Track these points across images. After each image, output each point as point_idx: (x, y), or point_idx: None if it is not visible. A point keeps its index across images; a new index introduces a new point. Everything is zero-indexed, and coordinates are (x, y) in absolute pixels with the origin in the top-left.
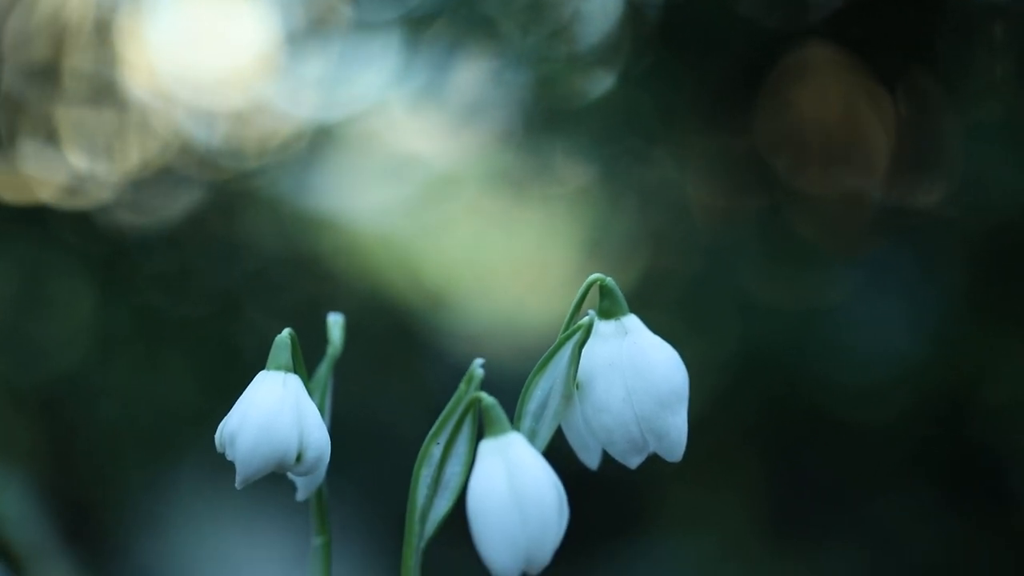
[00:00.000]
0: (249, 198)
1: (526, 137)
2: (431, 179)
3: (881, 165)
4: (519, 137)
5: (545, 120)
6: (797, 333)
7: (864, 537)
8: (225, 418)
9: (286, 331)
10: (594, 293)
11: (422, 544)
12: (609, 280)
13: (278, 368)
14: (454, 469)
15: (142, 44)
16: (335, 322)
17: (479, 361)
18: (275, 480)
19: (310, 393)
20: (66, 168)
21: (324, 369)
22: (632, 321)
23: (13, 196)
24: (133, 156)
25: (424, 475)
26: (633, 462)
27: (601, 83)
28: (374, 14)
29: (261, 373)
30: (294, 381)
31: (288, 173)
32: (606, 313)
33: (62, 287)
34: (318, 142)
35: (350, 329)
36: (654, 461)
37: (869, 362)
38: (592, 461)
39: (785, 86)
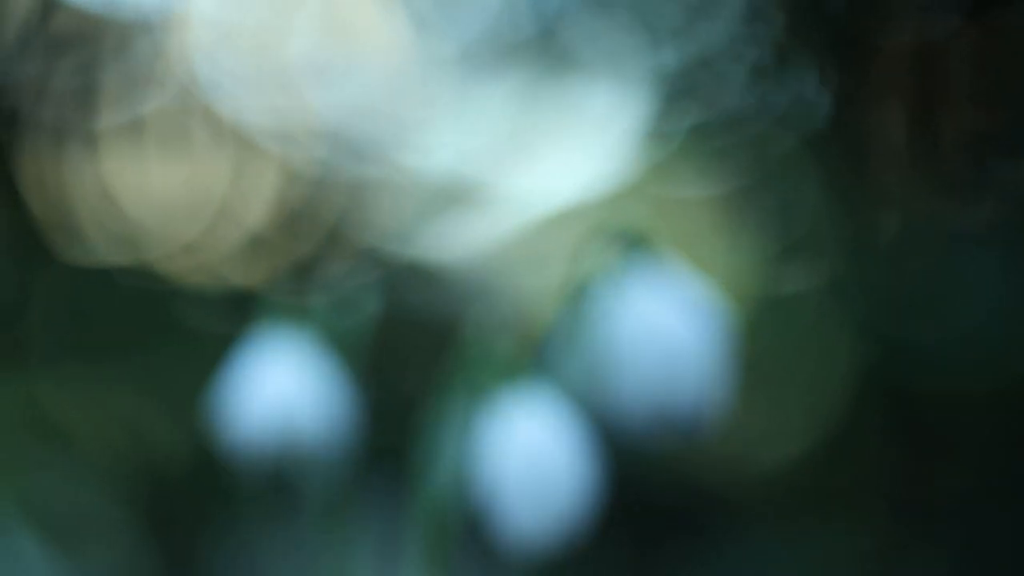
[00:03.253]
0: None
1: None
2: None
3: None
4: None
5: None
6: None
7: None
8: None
9: (283, 316)
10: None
11: (430, 503)
12: (626, 229)
13: (278, 355)
14: (458, 427)
15: None
16: (350, 312)
17: (476, 321)
18: None
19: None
20: None
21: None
22: (646, 270)
23: None
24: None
25: (429, 434)
26: (651, 423)
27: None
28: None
29: (254, 363)
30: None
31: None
32: (620, 262)
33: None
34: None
35: None
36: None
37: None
38: (610, 419)
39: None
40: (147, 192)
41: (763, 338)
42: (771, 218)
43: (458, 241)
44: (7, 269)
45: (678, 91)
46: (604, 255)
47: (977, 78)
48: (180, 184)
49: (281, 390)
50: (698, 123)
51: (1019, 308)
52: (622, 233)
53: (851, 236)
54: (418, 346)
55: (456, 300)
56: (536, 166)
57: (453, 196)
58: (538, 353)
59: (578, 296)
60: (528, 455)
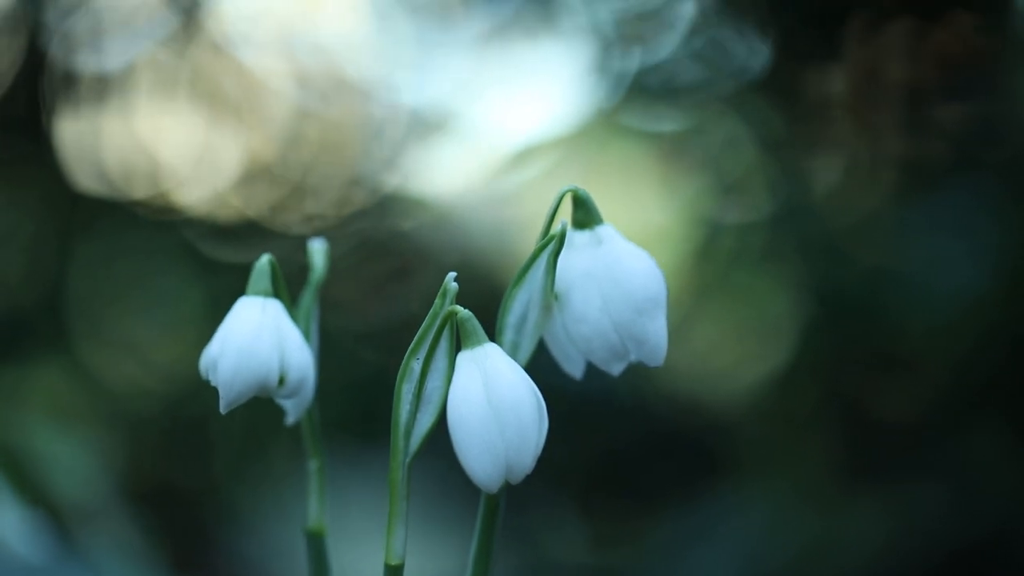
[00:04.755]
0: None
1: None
2: (517, 149)
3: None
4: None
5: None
6: (869, 276)
7: (939, 476)
8: (207, 345)
9: (265, 257)
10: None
11: (408, 459)
12: (582, 190)
13: (257, 293)
14: (435, 383)
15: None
16: (317, 249)
17: (452, 275)
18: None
19: (295, 320)
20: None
21: (308, 295)
22: (606, 230)
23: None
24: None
25: (405, 391)
26: (615, 369)
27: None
28: None
29: (241, 299)
30: (274, 305)
31: (382, 155)
32: (580, 223)
33: (172, 284)
34: (412, 124)
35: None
36: (729, 410)
37: (936, 300)
38: (576, 371)
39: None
40: (166, 130)
41: (710, 274)
42: (713, 159)
43: (433, 174)
44: (37, 205)
45: (624, 38)
46: (558, 218)
47: (913, 30)
48: (193, 121)
49: (263, 326)
50: (643, 68)
51: (947, 246)
52: (576, 195)
53: (790, 178)
54: (394, 273)
55: (431, 230)
56: (498, 108)
57: (428, 131)
58: (503, 307)
59: (536, 259)
60: (493, 397)
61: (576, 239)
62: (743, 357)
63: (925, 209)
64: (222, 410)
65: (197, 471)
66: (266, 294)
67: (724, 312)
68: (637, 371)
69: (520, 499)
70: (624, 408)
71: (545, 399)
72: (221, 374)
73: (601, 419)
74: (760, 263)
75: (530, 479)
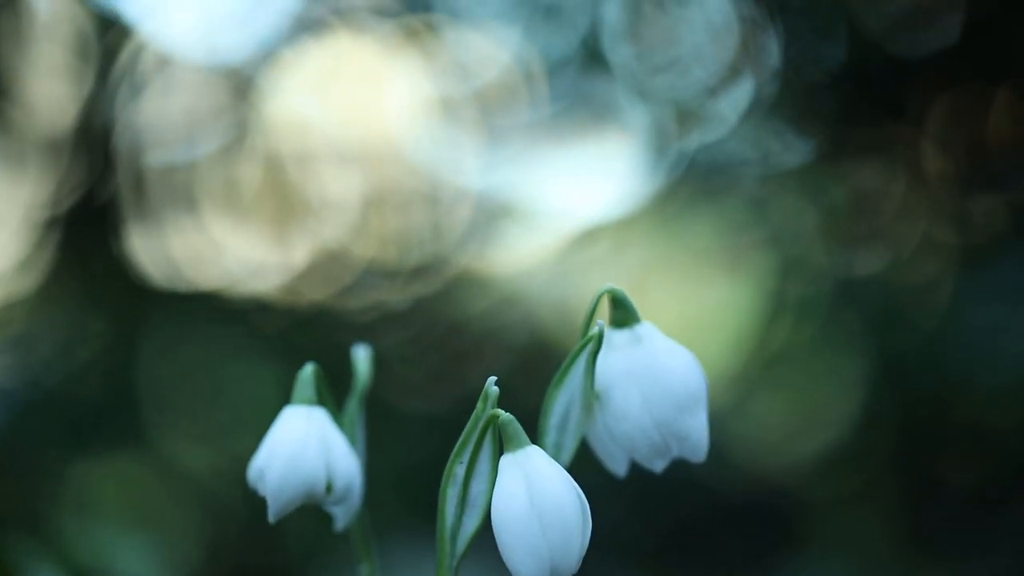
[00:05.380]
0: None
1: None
2: (582, 230)
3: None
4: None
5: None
6: (931, 342)
7: (1005, 544)
8: (255, 455)
9: (309, 366)
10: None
11: (454, 563)
12: (619, 290)
13: (302, 402)
14: (479, 487)
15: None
16: (361, 357)
17: (493, 379)
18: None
19: (341, 427)
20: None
21: (353, 401)
22: (645, 328)
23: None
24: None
25: (450, 495)
26: (658, 466)
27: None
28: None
29: (286, 408)
30: (319, 414)
31: (449, 239)
32: (619, 323)
33: (244, 372)
34: (478, 208)
35: (514, 372)
36: (796, 480)
37: (999, 364)
38: (619, 469)
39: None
40: (234, 221)
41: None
42: (774, 235)
43: (500, 256)
44: (109, 299)
45: (681, 120)
46: (601, 315)
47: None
48: (261, 210)
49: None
50: (700, 148)
51: (1007, 311)
52: (614, 295)
53: (850, 249)
54: (463, 355)
55: (499, 311)
56: (563, 191)
57: (494, 215)
58: (544, 408)
59: (576, 359)
60: (540, 497)
61: (615, 338)
62: (809, 427)
63: (986, 275)
64: (271, 519)
65: (272, 553)
66: (311, 403)
67: (789, 383)
68: (710, 443)
69: (591, 573)
70: (693, 481)
71: (615, 478)
72: (269, 484)
73: (671, 493)
74: (823, 333)
75: (599, 552)
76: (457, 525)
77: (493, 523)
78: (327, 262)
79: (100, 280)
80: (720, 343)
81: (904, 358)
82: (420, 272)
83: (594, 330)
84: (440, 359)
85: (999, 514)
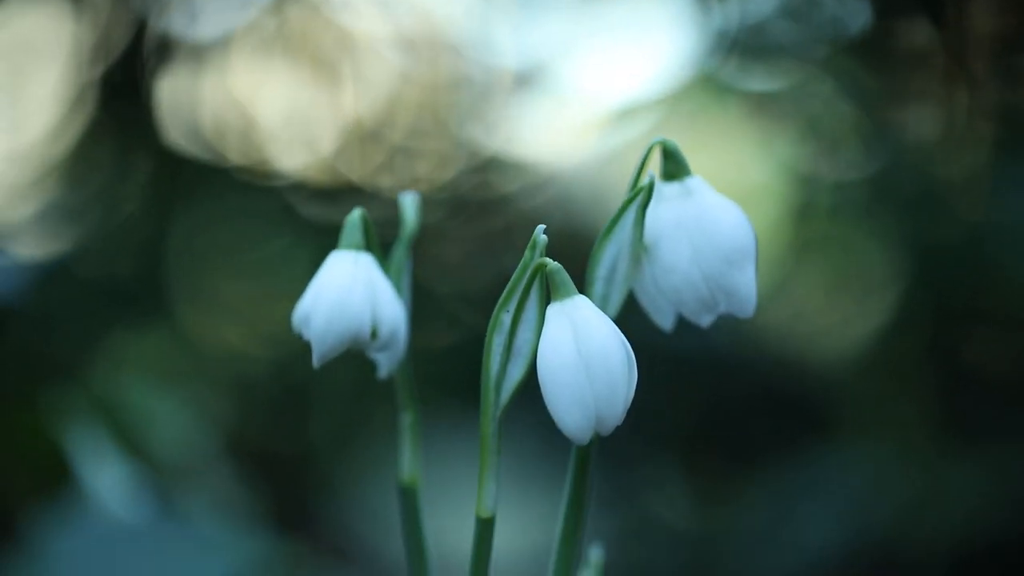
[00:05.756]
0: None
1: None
2: (618, 110)
3: None
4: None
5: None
6: (970, 231)
7: None
8: (300, 299)
9: (357, 212)
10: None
11: (499, 412)
12: (671, 142)
13: (349, 247)
14: (525, 336)
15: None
16: (409, 202)
17: (542, 227)
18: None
19: (388, 274)
20: None
21: (400, 249)
22: (696, 182)
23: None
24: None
25: (496, 343)
26: (704, 320)
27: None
28: None
29: (333, 253)
30: (366, 259)
31: (484, 118)
32: (669, 175)
33: (274, 248)
34: (514, 86)
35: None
36: (830, 368)
37: None
38: (666, 322)
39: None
40: (267, 95)
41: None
42: (812, 117)
43: (535, 136)
44: (140, 170)
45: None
46: (650, 168)
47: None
48: (293, 85)
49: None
50: (742, 27)
51: None
52: (666, 147)
53: (887, 134)
54: (496, 236)
55: (533, 193)
56: (599, 69)
57: (529, 94)
58: (592, 259)
59: (625, 211)
60: (586, 350)
61: (665, 191)
62: (844, 314)
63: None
64: (315, 363)
65: (300, 434)
66: (358, 248)
67: (824, 270)
68: (740, 331)
69: (623, 458)
70: (727, 367)
71: (649, 360)
72: (314, 327)
73: (704, 379)
74: (859, 220)
75: (633, 439)
76: (502, 373)
77: (539, 371)
78: (362, 140)
79: (134, 149)
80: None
81: (941, 250)
82: (454, 150)
83: (644, 181)
84: (473, 239)
85: None
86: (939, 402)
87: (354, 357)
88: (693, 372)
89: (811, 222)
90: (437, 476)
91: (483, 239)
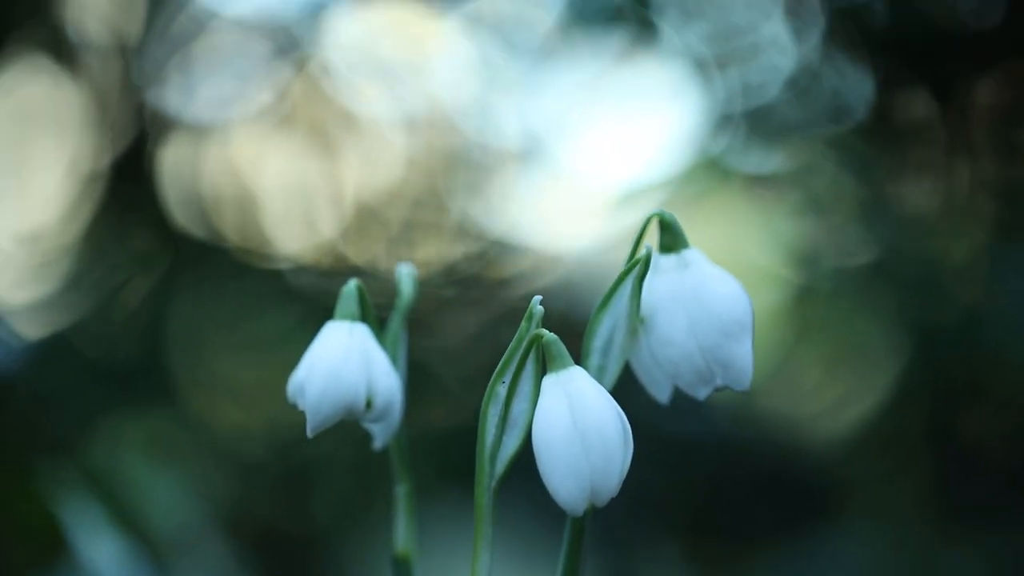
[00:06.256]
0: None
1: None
2: (623, 194)
3: None
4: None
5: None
6: (968, 314)
7: None
8: (295, 369)
9: (352, 282)
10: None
11: (494, 483)
12: (668, 214)
13: (344, 318)
14: (521, 407)
15: None
16: (405, 273)
17: (538, 298)
18: None
19: (383, 345)
20: None
21: (396, 319)
22: (693, 254)
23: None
24: None
25: (492, 414)
26: (701, 393)
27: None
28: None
29: (328, 323)
30: (361, 329)
31: (488, 202)
32: (667, 247)
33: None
34: (518, 171)
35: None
36: (830, 449)
37: None
38: (662, 395)
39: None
40: (270, 176)
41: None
42: (814, 201)
43: (538, 220)
44: (141, 251)
45: (730, 81)
46: (648, 242)
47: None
48: (299, 167)
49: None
50: (747, 111)
51: None
52: (663, 219)
53: (888, 218)
54: (500, 319)
55: (536, 276)
56: (604, 153)
57: (534, 178)
58: (589, 331)
59: (622, 283)
60: (581, 422)
61: (662, 263)
62: (842, 395)
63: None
64: (309, 433)
65: (302, 513)
66: (353, 318)
67: (824, 351)
68: (740, 413)
69: (625, 540)
70: (727, 450)
71: (650, 442)
72: (308, 397)
73: (704, 461)
74: (859, 301)
75: (634, 520)
76: (497, 445)
77: (534, 443)
78: (364, 222)
79: (137, 230)
80: (756, 313)
81: (940, 332)
82: (458, 234)
83: (642, 253)
84: (476, 323)
85: None
86: (936, 484)
87: (355, 436)
88: (694, 454)
89: (812, 304)
90: (435, 555)
91: (484, 322)
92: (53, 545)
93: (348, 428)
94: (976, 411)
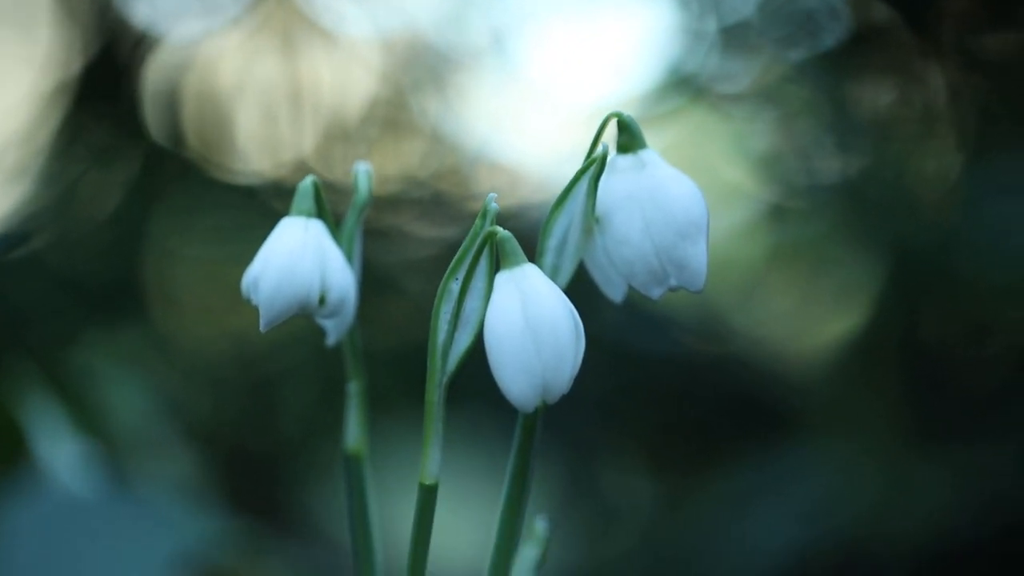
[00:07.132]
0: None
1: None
2: (592, 110)
3: None
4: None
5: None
6: (944, 237)
7: (1008, 438)
8: (249, 265)
9: (309, 178)
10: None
11: (445, 380)
12: (627, 115)
13: (300, 214)
14: (473, 304)
15: None
16: (362, 171)
17: (493, 195)
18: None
19: (338, 242)
20: None
21: (351, 217)
22: (649, 155)
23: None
24: None
25: (443, 311)
26: (655, 293)
27: None
28: None
29: (283, 219)
30: (316, 225)
31: (460, 118)
32: (624, 147)
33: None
34: (491, 88)
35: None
36: (801, 371)
37: (1010, 261)
38: (616, 295)
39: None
40: (246, 93)
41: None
42: (789, 121)
43: (510, 136)
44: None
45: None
46: (606, 142)
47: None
48: (276, 85)
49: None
50: (721, 28)
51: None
52: (620, 119)
53: (864, 140)
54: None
55: (507, 192)
56: (575, 68)
57: (506, 95)
58: (544, 230)
59: (578, 182)
60: (533, 318)
61: (619, 163)
62: (816, 319)
63: (1000, 170)
64: (262, 328)
65: (269, 429)
66: (309, 214)
67: (797, 274)
68: (713, 332)
69: (589, 451)
70: (698, 368)
71: (620, 360)
72: (262, 292)
73: (673, 377)
74: (834, 225)
75: (598, 430)
76: (449, 341)
77: (486, 339)
78: (339, 140)
79: (111, 146)
80: (727, 232)
81: (915, 252)
82: (430, 150)
83: (598, 152)
84: (447, 240)
85: (1003, 409)
86: (908, 404)
87: (322, 355)
88: (660, 369)
89: (785, 226)
90: (388, 457)
91: (450, 238)
92: (12, 448)
93: (316, 343)
94: (950, 332)
